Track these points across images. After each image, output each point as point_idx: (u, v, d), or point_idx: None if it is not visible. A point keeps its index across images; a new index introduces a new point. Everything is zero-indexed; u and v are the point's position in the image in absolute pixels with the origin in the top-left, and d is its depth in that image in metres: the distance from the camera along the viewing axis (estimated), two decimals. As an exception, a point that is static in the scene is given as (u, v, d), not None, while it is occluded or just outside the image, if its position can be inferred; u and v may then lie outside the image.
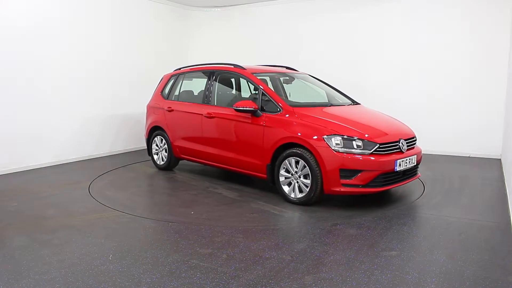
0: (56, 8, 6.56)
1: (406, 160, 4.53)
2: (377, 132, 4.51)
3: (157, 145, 6.46)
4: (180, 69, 6.45)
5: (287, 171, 4.62)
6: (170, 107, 6.15)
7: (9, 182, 5.56)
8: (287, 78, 5.81)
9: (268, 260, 3.12)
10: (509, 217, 4.06)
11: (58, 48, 6.63)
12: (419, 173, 5.02)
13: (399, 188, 5.15)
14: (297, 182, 4.56)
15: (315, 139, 4.36)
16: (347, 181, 4.26)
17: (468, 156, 7.27)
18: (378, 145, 4.31)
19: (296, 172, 4.55)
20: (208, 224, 3.93)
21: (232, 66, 5.61)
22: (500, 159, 6.94)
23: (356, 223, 3.96)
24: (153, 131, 6.50)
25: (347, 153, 4.25)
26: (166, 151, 6.30)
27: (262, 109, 4.89)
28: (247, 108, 4.86)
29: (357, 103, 5.57)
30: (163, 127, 6.27)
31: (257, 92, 5.11)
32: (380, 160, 4.28)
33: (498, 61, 6.92)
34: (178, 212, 4.42)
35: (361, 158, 4.22)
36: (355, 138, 4.30)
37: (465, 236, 3.62)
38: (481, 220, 4.02)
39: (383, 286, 2.71)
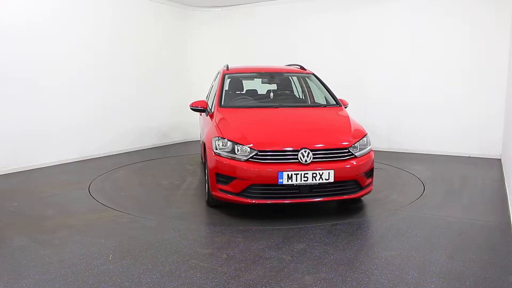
0: (56, 7, 6.57)
1: (306, 173, 3.84)
2: (268, 138, 4.09)
3: None
4: None
5: None
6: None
7: (9, 182, 5.56)
8: (270, 78, 5.79)
9: (268, 260, 3.11)
10: (509, 217, 4.06)
11: (59, 48, 6.63)
12: (356, 193, 4.08)
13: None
14: None
15: (208, 140, 4.37)
16: (223, 186, 4.06)
17: (468, 156, 7.27)
18: (256, 152, 3.92)
19: None
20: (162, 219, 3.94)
21: (224, 67, 5.73)
22: (500, 159, 6.93)
23: (356, 223, 3.95)
24: None
25: (226, 157, 4.02)
26: None
27: None
28: (198, 108, 5.15)
29: (339, 105, 5.05)
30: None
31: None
32: (252, 169, 3.86)
33: (498, 61, 6.91)
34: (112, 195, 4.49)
35: (232, 164, 3.95)
36: (236, 142, 4.03)
37: (465, 236, 3.62)
38: (481, 220, 4.02)
39: (383, 286, 2.71)
